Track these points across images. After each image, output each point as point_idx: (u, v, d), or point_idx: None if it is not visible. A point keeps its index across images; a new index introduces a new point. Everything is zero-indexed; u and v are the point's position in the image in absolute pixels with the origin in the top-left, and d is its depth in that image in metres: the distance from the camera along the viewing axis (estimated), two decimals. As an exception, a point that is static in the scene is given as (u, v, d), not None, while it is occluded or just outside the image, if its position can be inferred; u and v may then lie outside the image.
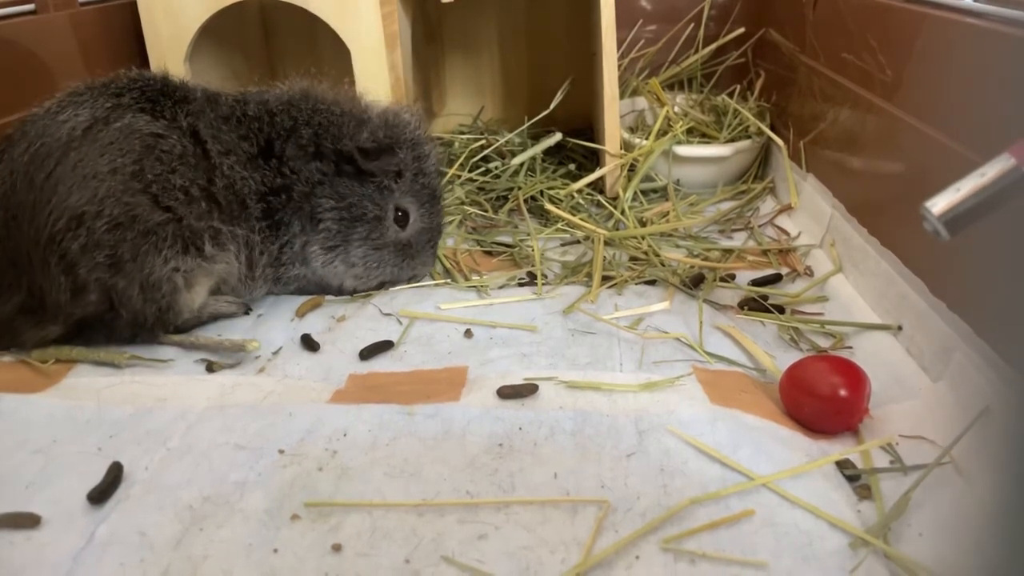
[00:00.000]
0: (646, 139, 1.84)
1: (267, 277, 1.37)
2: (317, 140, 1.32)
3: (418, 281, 1.44)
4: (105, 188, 1.16)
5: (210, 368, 1.19)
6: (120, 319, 1.21)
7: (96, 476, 0.93)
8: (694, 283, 1.41)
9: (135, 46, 1.74)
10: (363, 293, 1.41)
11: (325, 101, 1.36)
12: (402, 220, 1.37)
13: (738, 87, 2.11)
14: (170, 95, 1.28)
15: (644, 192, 1.83)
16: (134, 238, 1.17)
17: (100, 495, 0.91)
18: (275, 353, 1.24)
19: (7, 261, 1.19)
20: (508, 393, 1.07)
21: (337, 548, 0.83)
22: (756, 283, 1.42)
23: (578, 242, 1.62)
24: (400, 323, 1.31)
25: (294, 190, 1.31)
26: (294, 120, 1.33)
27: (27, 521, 0.88)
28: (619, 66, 2.00)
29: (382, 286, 1.43)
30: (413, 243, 1.39)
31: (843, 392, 1.00)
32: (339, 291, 1.42)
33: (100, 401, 1.09)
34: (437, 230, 1.43)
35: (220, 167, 1.27)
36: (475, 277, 1.47)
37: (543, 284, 1.44)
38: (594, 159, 1.94)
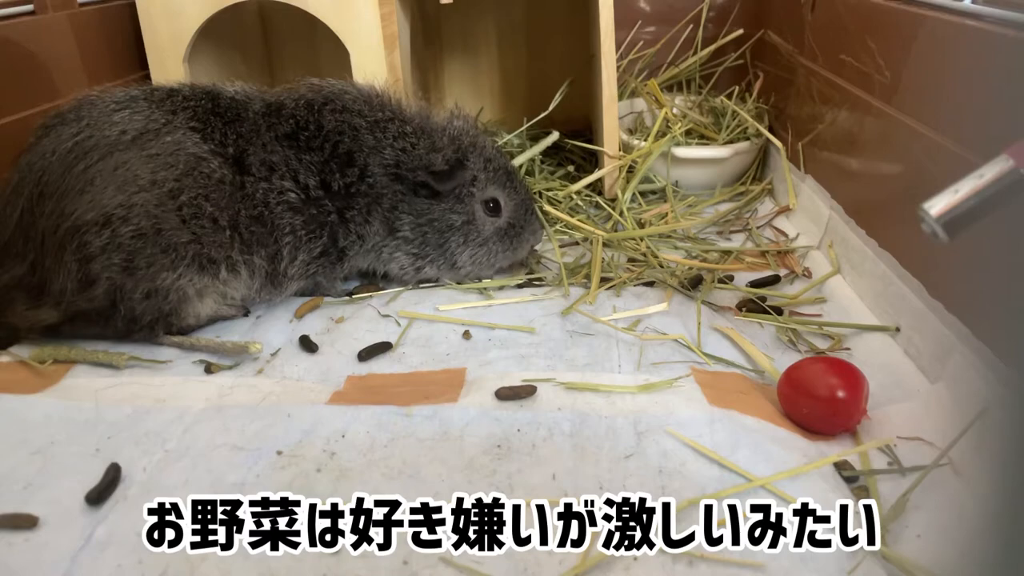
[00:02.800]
0: (645, 140, 1.84)
1: (304, 274, 1.37)
2: (398, 164, 1.37)
3: (536, 245, 1.51)
4: (141, 197, 1.17)
5: (208, 369, 1.19)
6: (118, 315, 1.21)
7: (94, 477, 0.93)
8: (692, 284, 1.41)
9: (134, 46, 1.74)
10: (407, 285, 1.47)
11: (406, 120, 1.40)
12: (494, 210, 1.43)
13: (737, 88, 2.11)
14: (222, 115, 1.30)
15: (643, 193, 1.84)
16: (154, 251, 1.19)
17: (98, 496, 0.91)
18: (273, 354, 1.24)
19: (20, 232, 1.20)
20: (506, 394, 1.07)
21: (336, 549, 0.83)
22: (754, 284, 1.42)
23: (576, 243, 1.62)
24: (399, 324, 1.31)
25: (380, 201, 1.38)
26: (378, 140, 1.37)
27: (25, 522, 0.87)
28: (618, 67, 1.99)
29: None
30: (515, 222, 1.44)
31: (841, 393, 1.00)
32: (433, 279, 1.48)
33: (98, 402, 1.08)
34: (528, 198, 1.47)
35: (255, 195, 1.28)
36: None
37: (542, 285, 1.44)
38: (593, 160, 1.95)
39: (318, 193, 1.33)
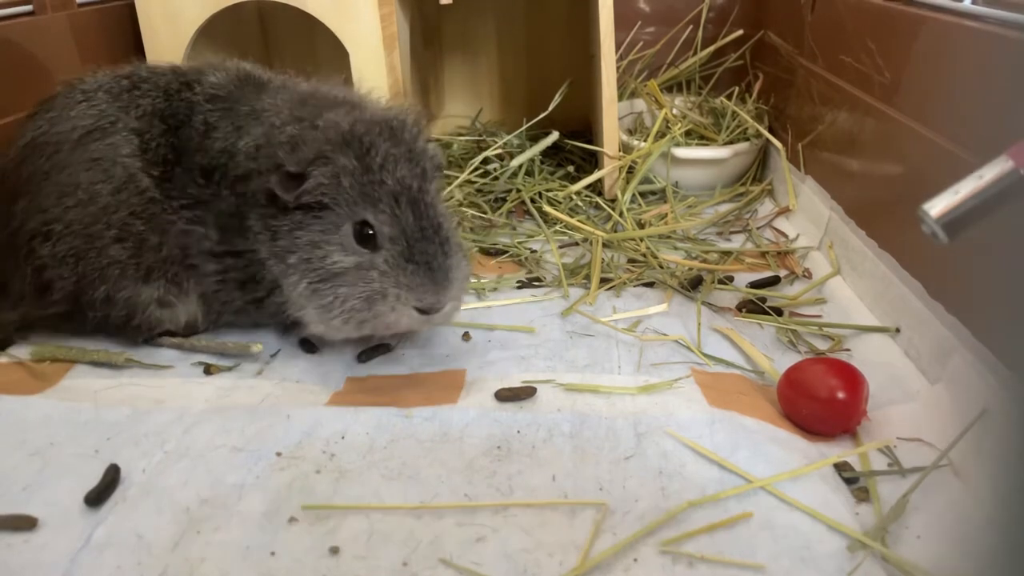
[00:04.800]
0: (644, 141, 1.84)
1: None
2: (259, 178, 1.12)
3: (434, 316, 1.08)
4: (76, 213, 1.15)
5: (208, 370, 1.19)
6: (86, 319, 1.21)
7: (93, 478, 0.93)
8: (692, 285, 1.41)
9: (133, 47, 1.73)
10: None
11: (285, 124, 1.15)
12: (365, 239, 1.06)
13: (736, 89, 2.11)
14: (169, 117, 1.19)
15: (642, 194, 1.83)
16: (97, 265, 1.16)
17: (97, 497, 0.91)
18: (273, 355, 1.24)
19: None
20: (506, 396, 1.07)
21: (335, 551, 0.83)
22: (754, 285, 1.42)
23: (576, 244, 1.62)
24: (398, 325, 1.31)
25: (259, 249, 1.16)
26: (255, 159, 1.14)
27: (24, 523, 0.87)
28: (617, 68, 1.99)
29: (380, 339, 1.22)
30: (388, 266, 1.04)
31: (841, 394, 1.00)
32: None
33: (97, 403, 1.08)
34: (419, 236, 1.05)
35: (176, 224, 1.17)
36: (473, 279, 1.47)
37: (542, 286, 1.44)
38: (592, 161, 1.94)
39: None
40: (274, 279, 1.13)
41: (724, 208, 1.79)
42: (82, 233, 1.15)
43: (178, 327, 1.25)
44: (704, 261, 1.51)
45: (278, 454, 0.98)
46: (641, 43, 2.29)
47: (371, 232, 1.05)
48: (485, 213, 1.75)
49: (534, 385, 1.09)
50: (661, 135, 1.86)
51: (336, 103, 1.16)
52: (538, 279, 1.46)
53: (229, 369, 1.20)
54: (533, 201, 1.78)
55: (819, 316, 1.31)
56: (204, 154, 1.16)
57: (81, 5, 1.66)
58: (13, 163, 1.19)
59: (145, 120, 1.18)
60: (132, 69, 1.25)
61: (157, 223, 1.16)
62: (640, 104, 2.13)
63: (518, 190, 1.82)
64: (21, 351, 1.22)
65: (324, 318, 1.08)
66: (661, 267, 1.48)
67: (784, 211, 1.71)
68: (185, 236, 1.17)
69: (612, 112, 1.72)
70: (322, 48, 2.08)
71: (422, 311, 1.05)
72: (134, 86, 1.21)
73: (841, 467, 0.95)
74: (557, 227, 1.66)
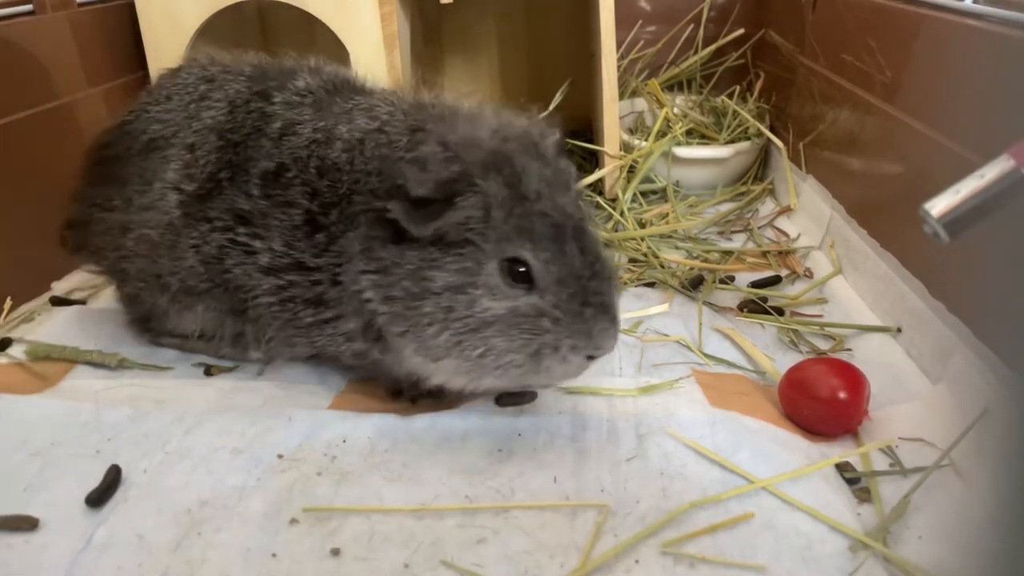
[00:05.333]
0: (645, 140, 1.84)
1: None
2: (374, 198, 0.96)
3: (595, 357, 0.93)
4: (119, 216, 1.14)
5: (208, 371, 1.19)
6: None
7: (94, 478, 0.93)
8: (693, 285, 1.40)
9: (133, 47, 1.73)
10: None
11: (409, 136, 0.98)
12: (520, 277, 0.90)
13: (737, 88, 2.11)
14: (228, 132, 1.08)
15: (643, 193, 1.83)
16: (126, 267, 1.17)
17: (98, 498, 0.91)
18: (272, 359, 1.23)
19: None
20: (507, 400, 1.07)
21: (336, 552, 0.83)
22: (755, 285, 1.42)
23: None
24: (399, 325, 1.31)
25: (344, 267, 0.99)
26: (354, 174, 0.99)
27: (25, 524, 0.87)
28: (618, 67, 1.99)
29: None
30: (548, 309, 0.89)
31: (842, 394, 1.00)
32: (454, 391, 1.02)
33: (98, 403, 1.08)
34: (591, 275, 0.90)
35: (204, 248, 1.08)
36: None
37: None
38: (593, 160, 1.94)
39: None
40: (355, 304, 0.98)
41: (725, 207, 1.79)
42: (119, 237, 1.15)
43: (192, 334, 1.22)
44: (705, 261, 1.51)
45: (279, 456, 0.97)
46: (642, 42, 2.29)
47: (522, 270, 0.89)
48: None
49: (535, 389, 1.09)
50: (662, 134, 1.85)
51: (456, 113, 1.00)
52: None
53: (230, 370, 1.20)
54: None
55: (820, 316, 1.31)
56: (271, 157, 1.03)
57: (81, 5, 1.66)
58: (103, 140, 1.21)
59: (201, 134, 1.09)
60: (214, 72, 1.16)
61: (177, 250, 1.10)
62: (641, 103, 2.13)
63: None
64: (19, 350, 1.22)
65: (472, 374, 0.94)
66: (662, 267, 1.48)
67: (785, 210, 1.71)
68: (227, 257, 1.06)
69: (613, 111, 1.72)
70: (322, 47, 2.07)
71: (592, 356, 0.92)
72: (205, 95, 1.13)
73: (843, 467, 0.95)
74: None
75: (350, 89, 1.11)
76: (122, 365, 1.19)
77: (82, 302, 1.41)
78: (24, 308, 1.39)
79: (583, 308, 0.89)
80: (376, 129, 0.99)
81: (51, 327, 1.29)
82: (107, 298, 1.41)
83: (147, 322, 1.23)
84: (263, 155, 1.04)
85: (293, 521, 0.88)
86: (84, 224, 1.21)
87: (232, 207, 1.04)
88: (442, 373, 0.97)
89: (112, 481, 0.93)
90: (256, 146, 1.05)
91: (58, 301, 1.41)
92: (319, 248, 0.99)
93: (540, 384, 0.99)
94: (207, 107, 1.11)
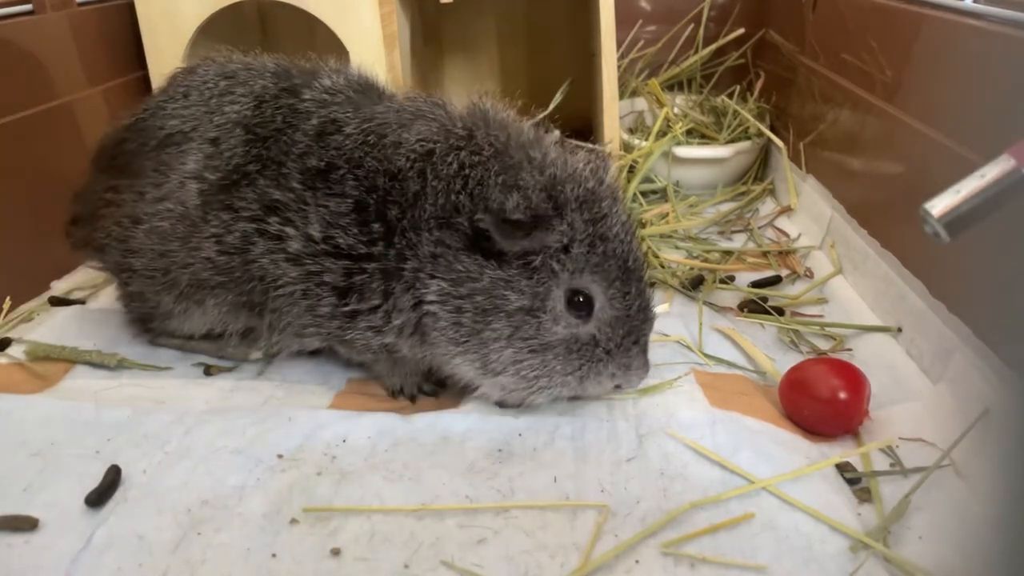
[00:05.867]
0: (645, 140, 1.84)
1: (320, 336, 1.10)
2: (455, 207, 0.98)
3: (630, 388, 1.05)
4: (128, 209, 1.14)
5: (208, 371, 1.19)
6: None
7: (94, 479, 0.93)
8: (694, 285, 1.40)
9: (133, 46, 1.73)
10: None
11: (481, 144, 1.00)
12: (582, 307, 0.98)
13: (738, 88, 2.11)
14: (256, 127, 1.09)
15: (643, 193, 1.83)
16: (131, 264, 1.16)
17: (98, 498, 0.91)
18: (274, 356, 1.23)
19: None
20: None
21: (336, 552, 0.83)
22: (756, 285, 1.42)
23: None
24: (399, 325, 1.31)
25: (404, 268, 1.00)
26: (423, 179, 1.00)
27: (25, 524, 0.87)
28: (618, 67, 1.99)
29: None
30: (604, 341, 0.99)
31: (843, 395, 1.00)
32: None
33: (98, 403, 1.08)
34: (641, 318, 1.00)
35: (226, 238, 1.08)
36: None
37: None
38: (593, 160, 1.94)
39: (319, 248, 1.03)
40: (395, 295, 1.00)
41: (725, 207, 1.79)
42: (127, 230, 1.15)
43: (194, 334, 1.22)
44: (705, 261, 1.51)
45: (279, 456, 0.97)
46: (642, 42, 2.29)
47: (582, 300, 0.97)
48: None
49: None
50: (662, 134, 1.85)
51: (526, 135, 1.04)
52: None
53: (229, 370, 1.20)
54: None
55: (821, 316, 1.31)
56: (317, 158, 1.04)
57: (80, 4, 1.66)
58: (119, 135, 1.20)
59: (225, 128, 1.10)
60: (235, 69, 1.17)
61: (191, 242, 1.10)
62: (641, 103, 2.13)
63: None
64: (18, 350, 1.22)
65: (519, 391, 1.00)
66: (662, 267, 1.48)
67: (785, 210, 1.71)
68: (252, 247, 1.06)
69: (613, 111, 1.72)
70: (322, 47, 2.07)
71: (619, 386, 1.03)
72: (227, 91, 1.14)
73: (843, 467, 0.95)
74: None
75: (375, 91, 1.14)
76: (121, 365, 1.19)
77: (81, 302, 1.41)
78: (23, 308, 1.39)
79: (632, 346, 1.00)
80: (453, 146, 1.01)
81: (50, 327, 1.29)
82: (106, 298, 1.41)
83: (148, 322, 1.23)
84: (301, 151, 1.05)
85: (293, 521, 0.87)
86: (90, 219, 1.21)
87: (262, 197, 1.05)
88: (490, 386, 1.02)
89: (112, 481, 0.93)
90: (290, 141, 1.06)
91: (57, 301, 1.41)
92: (373, 236, 1.00)
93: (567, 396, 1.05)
94: (230, 102, 1.12)
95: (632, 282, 0.99)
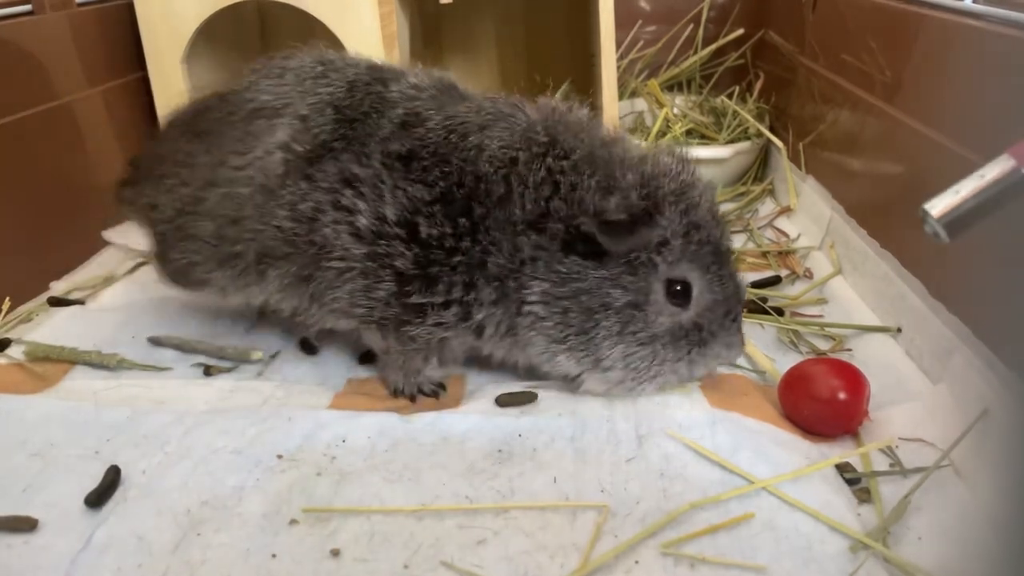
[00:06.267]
0: (645, 140, 1.84)
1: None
2: (545, 211, 1.02)
3: (730, 363, 1.13)
4: (202, 172, 1.15)
5: (208, 372, 1.19)
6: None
7: (94, 479, 0.93)
8: (693, 285, 1.40)
9: (133, 46, 1.73)
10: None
11: (567, 150, 1.04)
12: (680, 297, 1.02)
13: (737, 88, 2.11)
14: (346, 108, 1.12)
15: (643, 193, 1.83)
16: (188, 229, 1.16)
17: (97, 498, 0.90)
18: (273, 356, 1.23)
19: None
20: (507, 401, 1.07)
21: (336, 553, 0.83)
22: (755, 285, 1.42)
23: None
24: (399, 325, 1.31)
25: (487, 263, 1.03)
26: (508, 184, 1.03)
27: (24, 524, 0.87)
28: (618, 67, 1.99)
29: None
30: (705, 324, 1.04)
31: (842, 395, 1.00)
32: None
33: (98, 403, 1.08)
34: (736, 298, 1.06)
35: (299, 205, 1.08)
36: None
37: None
38: (593, 160, 1.94)
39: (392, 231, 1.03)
40: (479, 288, 1.03)
41: (725, 207, 1.79)
42: (197, 191, 1.15)
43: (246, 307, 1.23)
44: (705, 261, 1.51)
45: (279, 456, 0.97)
46: (641, 42, 2.29)
47: (679, 288, 1.01)
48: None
49: (535, 390, 1.09)
50: (662, 134, 1.86)
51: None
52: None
53: (229, 370, 1.20)
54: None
55: (820, 316, 1.31)
56: (401, 143, 1.06)
57: (80, 5, 1.66)
58: (202, 104, 1.23)
59: (316, 108, 1.12)
60: (333, 57, 1.21)
61: (265, 210, 1.10)
62: (641, 103, 2.13)
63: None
64: (17, 351, 1.22)
65: (633, 383, 1.04)
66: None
67: (785, 210, 1.71)
68: (320, 216, 1.06)
69: (613, 111, 1.72)
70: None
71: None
72: (323, 75, 1.16)
73: (843, 468, 0.95)
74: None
75: (456, 91, 1.17)
76: (121, 365, 1.19)
77: (80, 302, 1.41)
78: (23, 308, 1.39)
79: (731, 324, 1.05)
80: (536, 153, 1.04)
81: (50, 327, 1.29)
82: (105, 299, 1.41)
83: (186, 275, 1.20)
84: (385, 135, 1.08)
85: (293, 522, 0.87)
86: (149, 179, 1.21)
87: (342, 172, 1.07)
88: (596, 381, 1.06)
89: (111, 482, 0.93)
90: (375, 125, 1.10)
91: (56, 301, 1.41)
92: (459, 231, 1.02)
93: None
94: (325, 84, 1.15)
95: (725, 265, 1.04)
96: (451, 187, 1.03)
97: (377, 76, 1.16)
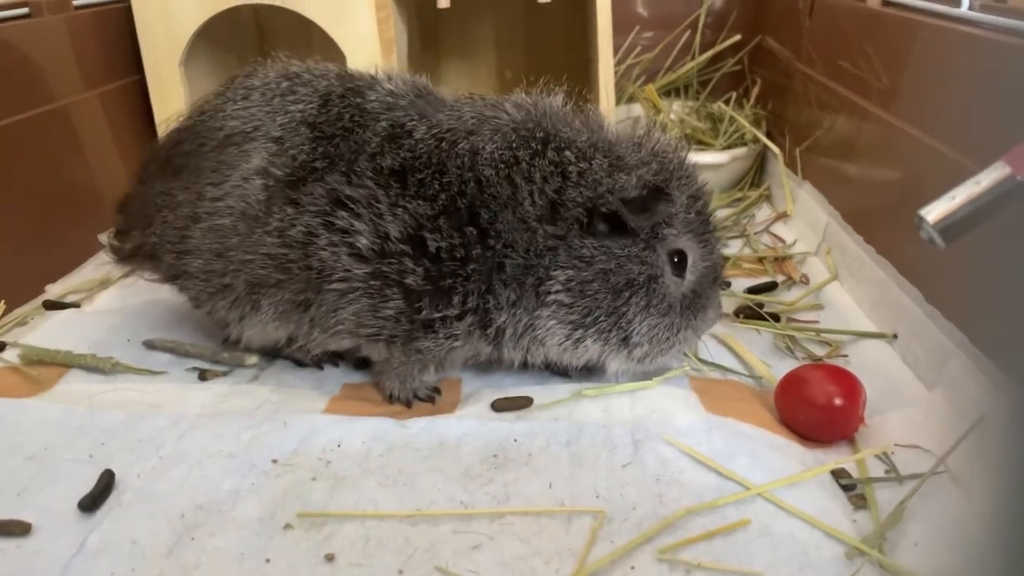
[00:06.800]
0: (642, 145, 1.84)
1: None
2: (557, 201, 1.03)
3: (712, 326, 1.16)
4: (186, 209, 1.13)
5: (203, 376, 1.18)
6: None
7: (88, 483, 0.93)
8: (690, 290, 1.40)
9: (130, 50, 1.73)
10: None
11: (569, 139, 1.06)
12: (679, 267, 1.06)
13: (734, 94, 2.11)
14: (322, 125, 1.10)
15: (640, 198, 1.83)
16: (183, 267, 1.15)
17: (91, 503, 0.90)
18: (269, 361, 1.23)
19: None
20: (503, 406, 1.07)
21: (330, 558, 0.83)
22: (752, 291, 1.42)
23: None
24: (395, 330, 1.31)
25: (505, 265, 1.03)
26: (514, 184, 1.03)
27: (18, 529, 0.87)
28: (615, 72, 1.99)
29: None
30: (700, 291, 1.09)
31: (839, 401, 1.00)
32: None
33: (92, 407, 1.08)
34: (720, 262, 1.13)
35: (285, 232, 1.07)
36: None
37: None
38: (590, 165, 1.94)
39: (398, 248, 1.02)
40: (497, 292, 1.03)
41: (722, 213, 1.79)
42: (184, 231, 1.13)
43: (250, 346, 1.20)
44: (701, 266, 1.51)
45: (274, 461, 0.97)
46: (639, 47, 2.29)
47: (677, 260, 1.06)
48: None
49: (530, 395, 1.09)
50: (659, 140, 1.85)
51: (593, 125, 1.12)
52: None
53: (224, 374, 1.19)
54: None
55: (816, 322, 1.31)
56: (391, 157, 1.04)
57: (78, 8, 1.66)
58: (173, 139, 1.21)
59: (289, 128, 1.10)
60: (298, 69, 1.18)
61: (251, 238, 1.08)
62: (638, 108, 2.13)
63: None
64: (12, 354, 1.21)
65: (655, 355, 1.09)
66: (658, 272, 1.47)
67: (782, 216, 1.71)
68: (315, 239, 1.04)
69: (610, 117, 1.72)
70: (319, 52, 2.06)
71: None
72: (289, 91, 1.14)
73: (839, 474, 0.95)
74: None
75: (432, 95, 1.16)
76: (116, 369, 1.18)
77: (76, 305, 1.41)
78: (18, 312, 1.39)
79: (718, 288, 1.12)
80: (536, 150, 1.04)
81: (45, 331, 1.29)
82: (101, 302, 1.41)
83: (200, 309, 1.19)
84: (374, 150, 1.06)
85: (287, 526, 0.87)
86: (142, 227, 1.20)
87: (331, 194, 1.05)
88: (621, 360, 1.08)
89: (105, 486, 0.92)
90: (361, 140, 1.08)
91: (52, 305, 1.40)
92: (468, 239, 1.02)
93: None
94: (294, 101, 1.13)
95: (712, 232, 1.10)
96: (453, 197, 1.02)
97: (350, 86, 1.13)
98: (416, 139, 1.06)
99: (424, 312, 1.03)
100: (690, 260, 1.06)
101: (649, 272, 1.04)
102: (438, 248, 1.01)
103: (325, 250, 1.03)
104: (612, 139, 1.08)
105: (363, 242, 1.02)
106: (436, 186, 1.03)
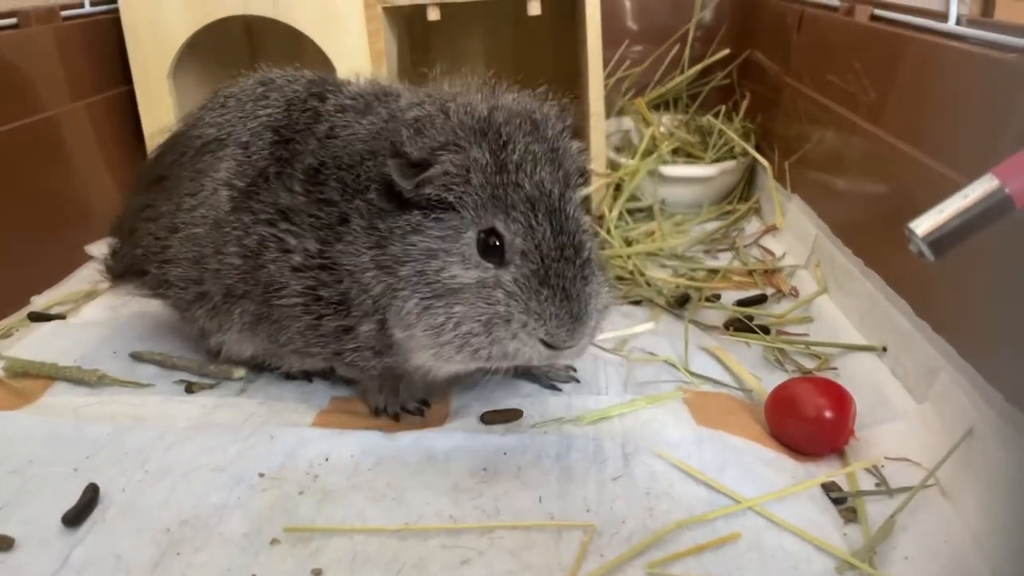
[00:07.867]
0: (632, 159, 1.84)
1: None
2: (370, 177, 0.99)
3: (564, 358, 1.00)
4: (166, 220, 1.13)
5: (189, 389, 1.17)
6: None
7: (72, 497, 0.92)
8: (680, 303, 1.40)
9: (119, 61, 1.73)
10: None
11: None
12: (492, 252, 0.91)
13: (723, 108, 2.12)
14: (282, 128, 1.08)
15: (630, 212, 1.83)
16: (165, 275, 1.14)
17: (75, 517, 0.89)
18: (257, 374, 1.22)
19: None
20: (492, 419, 1.06)
21: (317, 573, 0.82)
22: (742, 303, 1.42)
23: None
24: (384, 342, 1.30)
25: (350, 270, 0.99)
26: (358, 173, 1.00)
27: (1, 543, 0.86)
28: (605, 86, 2.00)
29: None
30: (507, 281, 0.90)
31: (828, 414, 1.00)
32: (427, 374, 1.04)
33: (78, 420, 1.07)
34: (564, 256, 0.90)
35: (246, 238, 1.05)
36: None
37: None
38: (580, 178, 1.94)
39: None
40: (369, 302, 0.96)
41: (711, 226, 1.79)
42: (164, 241, 1.13)
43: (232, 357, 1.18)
44: (691, 279, 1.51)
45: (261, 475, 0.96)
46: (628, 61, 2.30)
47: (497, 243, 0.90)
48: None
49: (520, 408, 1.08)
50: (648, 153, 1.86)
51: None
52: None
53: (211, 387, 1.18)
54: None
55: (806, 335, 1.31)
56: (315, 155, 1.02)
57: (66, 18, 1.65)
58: (160, 150, 1.22)
59: (256, 132, 1.09)
60: (276, 76, 1.17)
61: (223, 248, 1.07)
62: (627, 122, 2.14)
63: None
64: (-1, 368, 1.20)
65: (434, 342, 0.92)
66: (648, 285, 1.48)
67: (771, 229, 1.71)
68: (264, 251, 1.02)
69: (599, 129, 1.72)
70: (310, 64, 2.06)
71: (550, 345, 0.90)
72: (262, 96, 1.13)
73: (829, 487, 0.95)
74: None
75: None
76: (102, 381, 1.17)
77: (61, 317, 1.40)
78: (3, 323, 1.38)
79: (540, 288, 0.89)
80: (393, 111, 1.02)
81: (30, 343, 1.28)
82: (87, 313, 1.40)
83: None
84: (308, 152, 1.03)
85: (274, 541, 0.86)
86: (130, 242, 1.20)
87: (276, 202, 1.03)
88: (416, 347, 0.96)
89: (90, 500, 0.91)
90: (304, 142, 1.05)
91: (37, 316, 1.39)
92: (348, 244, 0.98)
93: (500, 364, 0.95)
94: (264, 106, 1.11)
95: (541, 215, 0.91)
96: (341, 197, 0.99)
97: (315, 91, 1.11)
98: (339, 138, 1.02)
99: (334, 324, 0.99)
100: (506, 241, 0.91)
101: (425, 245, 0.93)
102: (335, 258, 0.98)
103: (273, 263, 1.02)
104: (421, 101, 1.00)
105: (296, 259, 1.00)
106: (334, 185, 1.00)
